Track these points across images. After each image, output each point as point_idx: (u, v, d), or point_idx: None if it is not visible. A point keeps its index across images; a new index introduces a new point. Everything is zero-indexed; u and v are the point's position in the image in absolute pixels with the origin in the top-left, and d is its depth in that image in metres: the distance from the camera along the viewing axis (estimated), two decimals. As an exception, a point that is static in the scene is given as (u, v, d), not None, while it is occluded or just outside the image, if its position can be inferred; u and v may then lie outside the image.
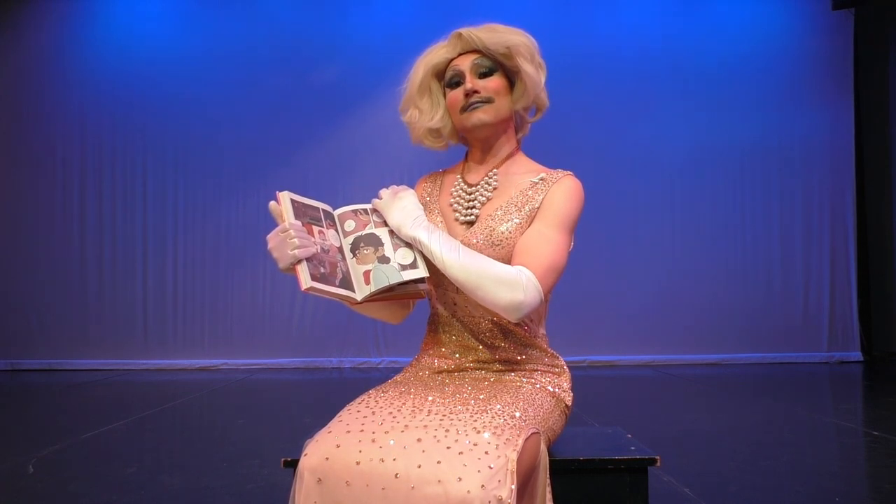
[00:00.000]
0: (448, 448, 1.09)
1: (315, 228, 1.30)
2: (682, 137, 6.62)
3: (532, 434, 1.20)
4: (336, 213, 1.39)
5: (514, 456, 1.09)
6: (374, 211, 1.40)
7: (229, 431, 3.64)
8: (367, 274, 1.30)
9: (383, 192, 1.40)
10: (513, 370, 1.42)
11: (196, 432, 3.78)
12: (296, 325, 6.59)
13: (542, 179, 1.43)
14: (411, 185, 1.60)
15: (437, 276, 1.42)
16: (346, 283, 1.29)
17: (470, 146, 1.53)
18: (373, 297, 1.30)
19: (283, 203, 1.29)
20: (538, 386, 1.39)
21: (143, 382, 5.69)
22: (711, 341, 6.51)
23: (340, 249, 1.33)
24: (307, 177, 6.46)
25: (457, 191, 1.49)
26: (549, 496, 1.22)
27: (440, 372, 1.43)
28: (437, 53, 1.46)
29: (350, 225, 1.36)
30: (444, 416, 1.18)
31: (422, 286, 1.34)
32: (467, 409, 1.20)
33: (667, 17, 6.71)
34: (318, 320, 6.54)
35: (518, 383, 1.37)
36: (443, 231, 1.36)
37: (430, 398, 1.27)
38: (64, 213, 6.66)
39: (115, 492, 2.51)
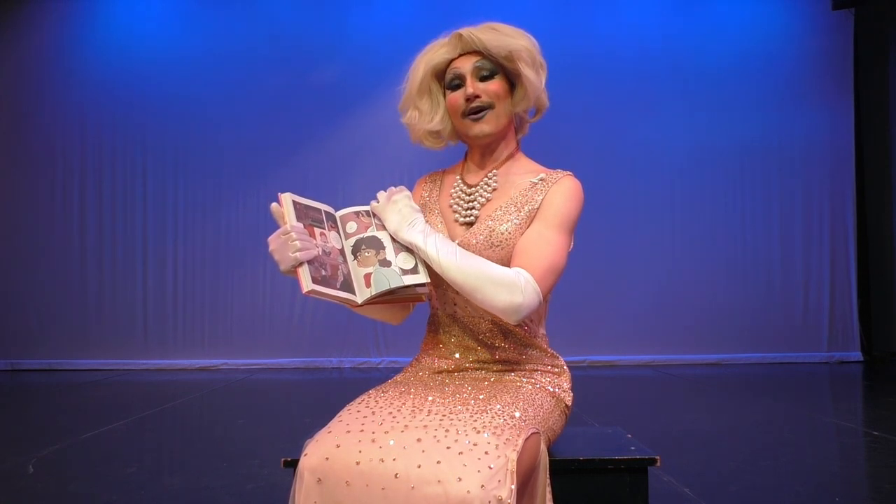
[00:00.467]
0: (448, 448, 1.09)
1: (317, 230, 1.30)
2: (682, 137, 6.62)
3: (532, 434, 1.20)
4: (338, 214, 1.39)
5: (514, 456, 1.09)
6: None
7: (229, 431, 3.64)
8: (367, 277, 1.30)
9: (380, 196, 1.39)
10: (513, 370, 1.42)
11: (196, 432, 3.78)
12: (296, 325, 6.59)
13: (541, 180, 1.43)
14: (411, 186, 1.60)
15: (437, 276, 1.42)
16: (347, 285, 1.28)
17: (469, 148, 1.53)
18: (373, 300, 1.30)
19: (285, 204, 1.29)
20: (538, 386, 1.39)
21: (143, 382, 5.69)
22: (711, 341, 6.51)
23: (342, 251, 1.33)
24: (307, 177, 6.46)
25: (456, 191, 1.49)
26: (549, 496, 1.22)
27: (440, 372, 1.43)
28: (437, 53, 1.45)
29: (352, 227, 1.36)
30: (444, 416, 1.18)
31: (422, 289, 1.34)
32: (467, 409, 1.20)
33: (667, 17, 6.70)
34: (318, 320, 6.54)
35: (518, 383, 1.37)
36: (439, 234, 1.35)
37: (429, 398, 1.27)
38: (64, 213, 6.66)
39: (115, 492, 2.51)
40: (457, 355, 1.44)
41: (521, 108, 1.45)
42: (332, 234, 1.33)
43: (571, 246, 1.42)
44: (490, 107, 1.42)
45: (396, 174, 6.28)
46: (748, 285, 6.61)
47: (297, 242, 1.23)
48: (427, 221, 1.46)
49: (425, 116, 1.48)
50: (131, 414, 4.13)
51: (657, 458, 1.43)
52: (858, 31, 6.74)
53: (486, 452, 1.08)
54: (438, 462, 1.07)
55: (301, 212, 1.29)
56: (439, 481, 1.04)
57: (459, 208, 1.46)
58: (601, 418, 3.76)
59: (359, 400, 1.29)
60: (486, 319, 1.42)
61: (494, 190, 1.45)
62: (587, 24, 6.67)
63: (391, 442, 1.12)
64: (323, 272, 1.25)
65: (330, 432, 1.16)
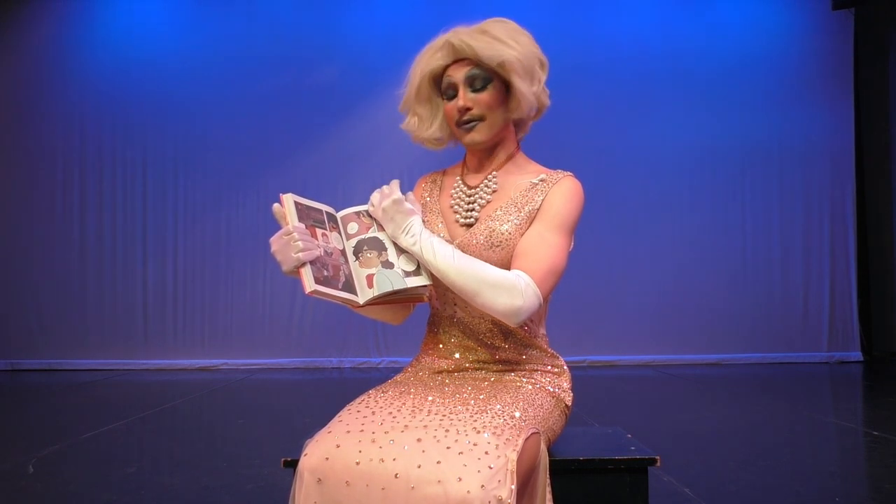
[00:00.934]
0: (448, 448, 1.09)
1: (318, 231, 1.30)
2: (682, 137, 6.62)
3: (532, 434, 1.20)
4: (339, 215, 1.39)
5: (514, 456, 1.09)
6: None
7: (229, 431, 3.64)
8: (369, 278, 1.30)
9: (373, 198, 1.38)
10: (513, 370, 1.42)
11: (196, 432, 3.78)
12: (296, 325, 6.59)
13: (542, 180, 1.43)
14: (411, 186, 1.60)
15: (437, 278, 1.42)
16: (349, 286, 1.29)
17: (468, 151, 1.53)
18: (375, 301, 1.30)
19: (287, 205, 1.29)
20: (538, 386, 1.39)
21: (143, 382, 5.69)
22: (711, 341, 6.51)
23: (343, 252, 1.33)
24: (307, 177, 6.46)
25: (457, 192, 1.48)
26: (549, 496, 1.22)
27: (440, 372, 1.43)
28: (433, 58, 1.43)
29: (353, 227, 1.36)
30: (444, 416, 1.18)
31: (422, 290, 1.34)
32: (467, 409, 1.20)
33: (667, 17, 6.70)
34: (318, 320, 6.54)
35: (518, 383, 1.37)
36: (436, 238, 1.34)
37: (429, 398, 1.27)
38: (64, 213, 6.66)
39: (115, 492, 2.51)
40: (457, 355, 1.44)
41: (516, 115, 1.42)
42: (333, 235, 1.33)
43: (571, 247, 1.42)
44: (481, 118, 1.41)
45: (396, 174, 6.18)
46: (748, 285, 6.61)
47: (299, 243, 1.23)
48: (427, 221, 1.46)
49: (424, 123, 1.48)
50: (131, 414, 4.13)
51: (657, 458, 1.43)
52: (858, 31, 6.74)
53: (486, 452, 1.08)
54: (438, 462, 1.07)
55: (303, 212, 1.29)
56: (439, 481, 1.04)
57: (460, 209, 1.46)
58: (601, 418, 3.75)
59: (359, 400, 1.29)
60: (486, 320, 1.42)
61: (494, 191, 1.45)
62: (587, 24, 6.67)
63: (391, 442, 1.12)
64: (325, 272, 1.25)
65: (330, 432, 1.16)
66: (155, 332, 6.61)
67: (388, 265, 1.31)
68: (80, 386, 5.50)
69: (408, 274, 1.31)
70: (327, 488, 1.09)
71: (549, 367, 1.45)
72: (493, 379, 1.39)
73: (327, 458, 1.11)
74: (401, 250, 1.34)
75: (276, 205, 1.30)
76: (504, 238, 1.38)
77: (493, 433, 1.13)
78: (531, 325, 1.45)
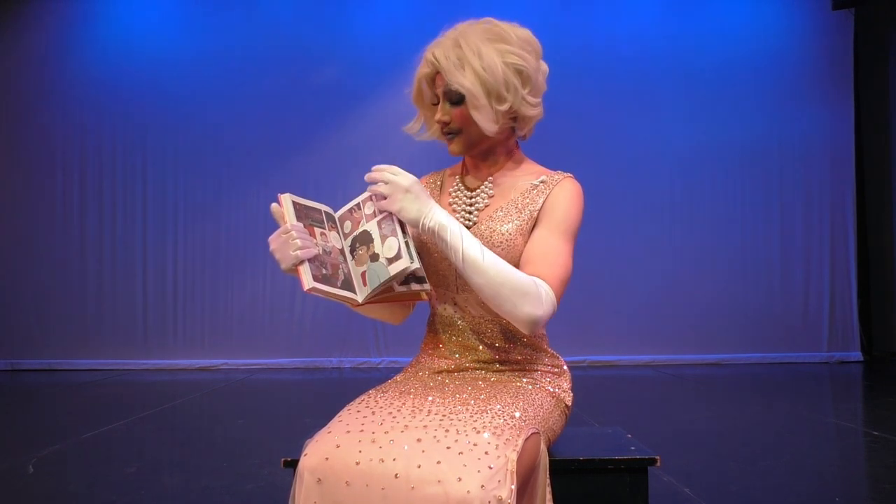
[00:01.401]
0: (448, 448, 1.09)
1: (317, 230, 1.30)
2: (682, 137, 6.62)
3: (532, 434, 1.20)
4: (336, 214, 1.39)
5: (514, 456, 1.09)
6: (365, 203, 1.36)
7: (229, 431, 3.64)
8: (363, 275, 1.30)
9: (383, 188, 1.32)
10: (513, 370, 1.42)
11: (196, 432, 3.78)
12: (296, 325, 6.59)
13: (542, 182, 1.43)
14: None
15: (437, 276, 1.43)
16: (348, 284, 1.29)
17: None
18: (374, 299, 1.30)
19: (285, 205, 1.29)
20: (538, 386, 1.39)
21: (143, 382, 5.69)
22: (711, 341, 6.50)
23: (342, 251, 1.33)
24: (307, 177, 6.46)
25: (456, 193, 1.48)
26: (549, 496, 1.22)
27: (440, 372, 1.43)
28: (423, 67, 1.42)
29: (347, 226, 1.36)
30: (443, 416, 1.18)
31: (419, 286, 1.33)
32: (467, 410, 1.20)
33: (667, 17, 6.70)
34: (318, 320, 6.54)
35: (518, 383, 1.37)
36: (465, 229, 1.31)
37: (429, 398, 1.27)
38: (64, 213, 6.66)
39: (115, 492, 2.51)
40: (457, 355, 1.44)
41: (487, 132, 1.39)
42: (332, 234, 1.33)
43: None
44: (458, 132, 1.40)
45: (396, 174, 6.27)
46: (748, 285, 6.60)
47: (297, 241, 1.23)
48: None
49: (426, 124, 1.49)
50: (131, 414, 4.13)
51: (657, 458, 1.43)
52: (858, 31, 6.74)
53: (486, 452, 1.08)
54: (438, 462, 1.07)
55: (301, 212, 1.30)
56: (439, 481, 1.04)
57: (460, 210, 1.46)
58: (601, 418, 3.75)
59: (359, 400, 1.29)
60: (485, 319, 1.42)
61: (493, 195, 1.45)
62: (587, 23, 6.66)
63: (391, 442, 1.12)
64: (324, 271, 1.25)
65: (330, 432, 1.16)
66: (155, 332, 6.60)
67: (374, 258, 1.29)
68: (80, 386, 5.50)
69: (390, 261, 1.27)
70: (327, 488, 1.09)
71: (550, 368, 1.45)
72: (493, 379, 1.39)
73: (327, 458, 1.11)
74: (385, 235, 1.29)
75: (274, 205, 1.30)
76: (504, 239, 1.38)
77: (493, 433, 1.13)
78: (531, 326, 1.44)
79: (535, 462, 1.20)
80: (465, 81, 1.33)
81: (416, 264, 1.26)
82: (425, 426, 1.15)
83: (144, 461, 3.02)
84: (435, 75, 1.40)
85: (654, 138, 6.58)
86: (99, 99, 6.66)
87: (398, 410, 1.21)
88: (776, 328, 6.57)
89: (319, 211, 1.34)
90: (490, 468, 1.06)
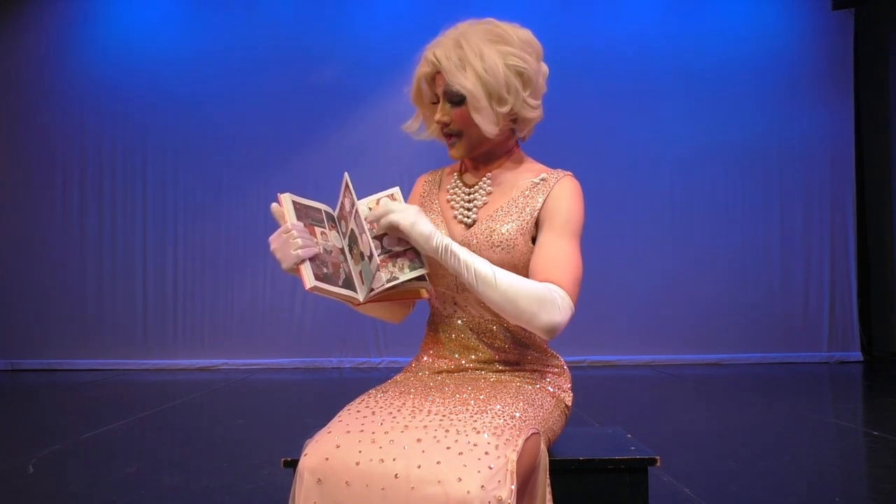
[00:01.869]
0: (448, 448, 1.09)
1: (317, 230, 1.31)
2: (682, 137, 6.62)
3: (532, 434, 1.20)
4: (336, 213, 1.39)
5: (514, 456, 1.09)
6: (344, 197, 1.36)
7: (229, 431, 3.64)
8: (361, 274, 1.30)
9: (397, 206, 1.27)
10: (513, 370, 1.42)
11: (196, 432, 3.77)
12: (296, 325, 6.59)
13: (542, 180, 1.43)
14: (411, 184, 1.60)
15: (436, 275, 1.42)
16: (349, 283, 1.29)
17: None
18: (375, 297, 1.30)
19: (285, 204, 1.29)
20: (538, 386, 1.39)
21: (143, 382, 5.69)
22: (711, 341, 6.50)
23: (342, 250, 1.33)
24: (307, 176, 6.46)
25: (454, 190, 1.48)
26: (549, 496, 1.21)
27: (440, 372, 1.43)
28: (423, 66, 1.42)
29: (344, 225, 1.37)
30: (443, 416, 1.18)
31: (419, 283, 1.33)
32: (467, 410, 1.20)
33: (667, 17, 6.70)
34: (318, 320, 6.54)
35: (518, 383, 1.37)
36: (465, 249, 1.31)
37: (429, 398, 1.26)
38: (64, 213, 6.66)
39: (115, 492, 2.51)
40: (457, 355, 1.44)
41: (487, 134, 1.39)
42: (332, 234, 1.34)
43: None
44: (459, 134, 1.40)
45: (396, 174, 6.27)
46: (748, 285, 6.61)
47: (298, 240, 1.23)
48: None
49: (425, 123, 1.49)
50: (131, 414, 4.13)
51: (657, 458, 1.43)
52: (858, 31, 6.73)
53: (486, 453, 1.08)
54: (438, 462, 1.07)
55: (301, 212, 1.30)
56: (439, 481, 1.04)
57: (459, 208, 1.46)
58: (601, 418, 3.76)
59: (359, 400, 1.29)
60: (485, 319, 1.42)
61: (492, 192, 1.45)
62: (587, 23, 6.66)
63: (391, 442, 1.11)
64: (325, 270, 1.26)
65: (330, 432, 1.16)
66: (155, 332, 6.60)
67: (365, 257, 1.31)
68: (80, 386, 5.50)
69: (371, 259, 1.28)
70: (327, 488, 1.09)
71: (550, 368, 1.45)
72: (493, 379, 1.39)
73: (327, 459, 1.11)
74: (360, 235, 1.30)
75: (274, 204, 1.31)
76: (504, 238, 1.38)
77: (493, 433, 1.12)
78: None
79: (535, 462, 1.20)
80: (466, 83, 1.33)
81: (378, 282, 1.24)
82: (425, 426, 1.15)
83: (144, 461, 3.02)
84: (435, 75, 1.40)
85: (654, 138, 6.58)
86: (99, 99, 6.65)
87: (398, 410, 1.21)
88: (776, 328, 6.56)
89: (319, 210, 1.35)
90: (490, 468, 1.06)
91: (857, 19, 6.72)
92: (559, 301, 1.28)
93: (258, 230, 6.45)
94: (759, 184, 6.66)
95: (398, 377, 1.46)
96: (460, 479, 1.04)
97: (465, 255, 1.27)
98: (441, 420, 1.17)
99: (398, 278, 1.27)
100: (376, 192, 1.42)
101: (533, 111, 1.40)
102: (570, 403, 1.44)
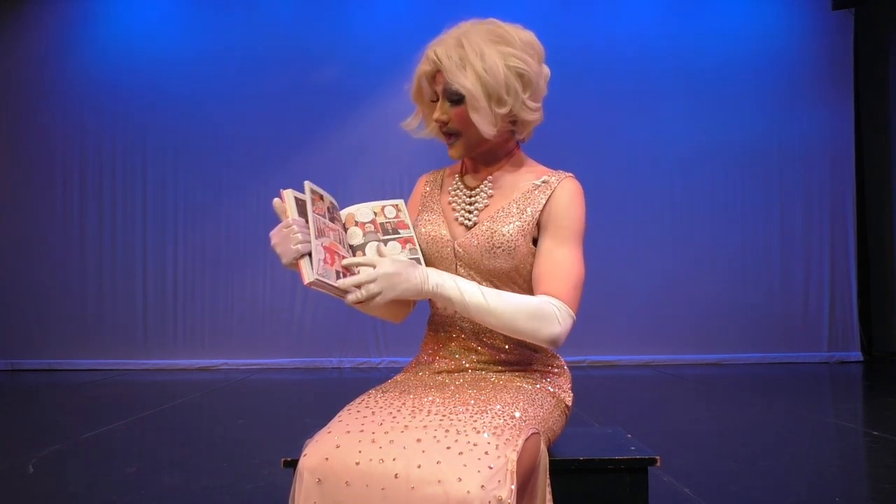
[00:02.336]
0: (448, 448, 1.09)
1: (320, 224, 1.31)
2: (682, 137, 6.62)
3: (532, 434, 1.20)
4: (342, 213, 1.40)
5: (514, 456, 1.09)
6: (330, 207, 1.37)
7: (229, 431, 3.64)
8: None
9: (373, 287, 1.24)
10: (513, 370, 1.42)
11: (196, 432, 3.77)
12: (296, 325, 6.59)
13: (544, 182, 1.43)
14: (411, 184, 1.60)
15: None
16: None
17: None
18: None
19: (287, 200, 1.29)
20: (538, 386, 1.39)
21: (143, 382, 5.69)
22: (711, 341, 6.50)
23: (346, 245, 1.34)
24: (307, 176, 6.35)
25: (455, 192, 1.48)
26: (549, 496, 1.22)
27: (440, 372, 1.43)
28: (424, 64, 1.42)
29: (349, 224, 1.38)
30: (444, 416, 1.18)
31: None
32: (467, 410, 1.20)
33: (667, 17, 6.70)
34: (318, 320, 6.54)
35: (518, 383, 1.37)
36: (457, 278, 1.32)
37: (429, 398, 1.26)
38: (64, 213, 6.66)
39: (115, 492, 2.51)
40: (457, 355, 1.44)
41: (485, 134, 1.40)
42: (336, 228, 1.34)
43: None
44: (458, 134, 1.40)
45: (396, 174, 6.28)
46: (748, 285, 6.60)
47: (298, 235, 1.24)
48: (428, 220, 1.46)
49: (424, 121, 1.48)
50: (131, 414, 4.13)
51: (657, 458, 1.43)
52: (858, 31, 6.74)
53: (486, 452, 1.08)
54: (438, 462, 1.07)
55: (302, 207, 1.30)
56: (439, 481, 1.04)
57: (460, 209, 1.45)
58: (601, 418, 3.76)
59: (359, 400, 1.29)
60: (486, 319, 1.42)
61: (493, 195, 1.45)
62: (587, 23, 6.66)
63: (391, 442, 1.11)
64: (325, 265, 1.26)
65: (330, 432, 1.16)
66: (155, 332, 6.60)
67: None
68: (80, 386, 5.50)
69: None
70: (327, 488, 1.09)
71: (550, 368, 1.45)
72: (493, 379, 1.39)
73: (327, 459, 1.11)
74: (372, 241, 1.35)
75: (276, 199, 1.31)
76: (505, 239, 1.38)
77: (493, 433, 1.13)
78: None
79: (535, 462, 1.20)
80: (465, 82, 1.33)
81: (320, 277, 1.23)
82: (425, 426, 1.15)
83: (144, 461, 3.02)
84: (435, 73, 1.40)
85: (654, 138, 6.58)
86: (99, 99, 6.66)
87: (398, 410, 1.21)
88: (776, 328, 6.57)
89: (324, 202, 1.35)
90: (490, 468, 1.06)
91: (857, 19, 6.72)
92: (557, 313, 1.30)
93: (258, 230, 6.45)
94: (759, 184, 6.66)
95: (398, 377, 1.46)
96: (460, 479, 1.04)
97: (455, 292, 1.29)
98: (441, 420, 1.17)
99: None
100: (378, 199, 1.42)
101: (532, 113, 1.39)
102: (570, 403, 1.44)
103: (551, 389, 1.40)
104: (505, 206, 1.42)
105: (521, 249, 1.38)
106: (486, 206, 1.44)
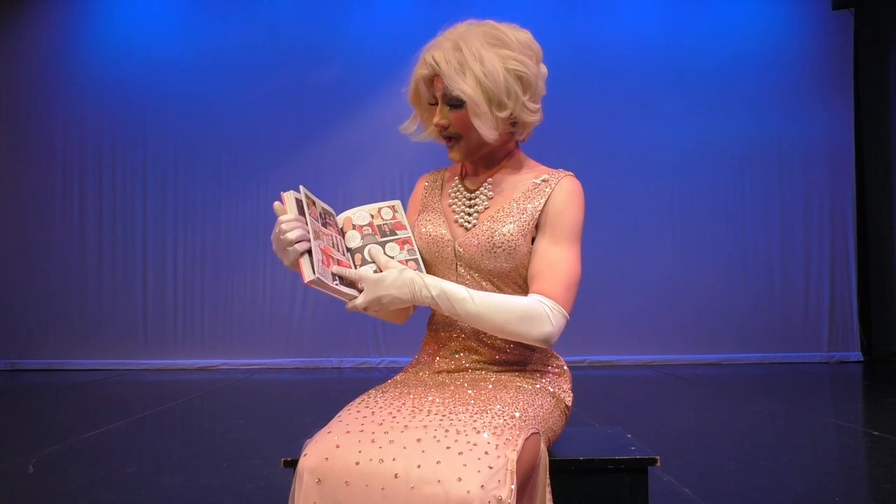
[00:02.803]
0: (448, 448, 1.09)
1: (323, 227, 1.32)
2: (682, 137, 6.62)
3: (532, 434, 1.20)
4: (337, 216, 1.41)
5: (514, 456, 1.09)
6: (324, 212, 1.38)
7: (229, 431, 3.64)
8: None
9: (360, 300, 1.28)
10: (513, 370, 1.42)
11: (196, 432, 3.77)
12: (296, 325, 6.59)
13: (544, 181, 1.43)
14: (411, 184, 1.60)
15: (437, 276, 1.42)
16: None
17: None
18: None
19: (287, 203, 1.30)
20: (538, 386, 1.39)
21: (143, 382, 5.69)
22: (711, 341, 6.51)
23: (342, 249, 1.34)
24: (307, 177, 6.45)
25: (455, 194, 1.48)
26: (548, 496, 1.22)
27: (440, 372, 1.43)
28: (420, 67, 1.41)
29: (347, 228, 1.38)
30: (443, 416, 1.18)
31: None
32: (467, 410, 1.20)
33: (667, 17, 6.70)
34: (318, 320, 6.54)
35: (518, 384, 1.37)
36: (445, 283, 1.32)
37: (429, 398, 1.26)
38: (64, 213, 6.66)
39: (115, 492, 2.51)
40: (457, 355, 1.44)
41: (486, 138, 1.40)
42: (334, 233, 1.35)
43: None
44: (458, 137, 1.40)
45: (396, 174, 6.28)
46: (748, 285, 6.61)
47: (295, 231, 1.24)
48: (429, 220, 1.47)
49: (423, 124, 1.48)
50: (131, 414, 4.13)
51: (657, 458, 1.43)
52: (858, 31, 6.74)
53: (486, 452, 1.08)
54: (438, 462, 1.07)
55: (302, 209, 1.30)
56: (439, 481, 1.04)
57: (460, 211, 1.45)
58: (601, 418, 3.76)
59: (359, 400, 1.29)
60: (486, 319, 1.42)
61: (492, 198, 1.45)
62: (587, 23, 6.67)
63: (391, 442, 1.12)
64: (325, 266, 1.26)
65: (329, 432, 1.16)
66: (155, 332, 6.61)
67: (364, 262, 1.33)
68: (80, 386, 5.50)
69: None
70: (327, 488, 1.09)
71: (550, 368, 1.45)
72: (493, 379, 1.39)
73: (327, 459, 1.11)
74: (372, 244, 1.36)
75: (276, 202, 1.31)
76: (506, 239, 1.38)
77: (493, 433, 1.13)
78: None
79: (535, 462, 1.20)
80: (466, 87, 1.33)
81: (319, 277, 1.24)
82: (425, 426, 1.15)
83: (144, 461, 3.02)
84: (433, 77, 1.40)
85: (653, 138, 6.58)
86: (99, 98, 6.66)
87: (398, 410, 1.21)
88: (776, 328, 6.57)
89: (317, 208, 1.35)
90: (490, 468, 1.06)
91: (857, 19, 6.72)
92: (549, 313, 1.31)
93: (258, 230, 6.47)
94: (759, 184, 6.66)
95: (398, 377, 1.46)
96: (460, 479, 1.04)
97: (442, 299, 1.30)
98: (441, 420, 1.17)
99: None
100: (376, 201, 1.42)
101: (532, 115, 1.39)
102: (570, 403, 1.44)
103: (551, 389, 1.40)
104: (505, 206, 1.42)
105: (522, 249, 1.38)
106: (485, 209, 1.44)
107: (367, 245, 1.37)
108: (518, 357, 1.43)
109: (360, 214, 1.42)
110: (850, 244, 6.67)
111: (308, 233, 1.26)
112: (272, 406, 4.65)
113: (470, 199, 1.46)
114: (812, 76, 6.69)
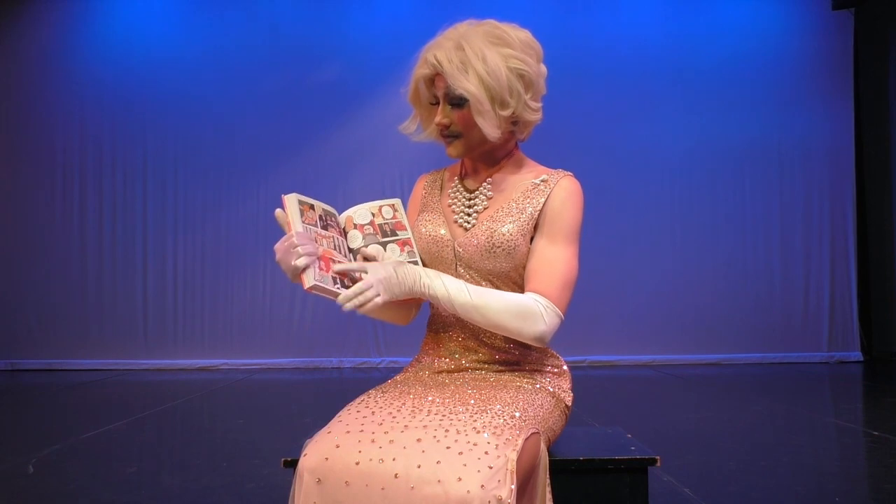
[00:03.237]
0: (448, 448, 1.09)
1: (324, 231, 1.31)
2: (682, 137, 6.62)
3: (532, 434, 1.20)
4: (338, 216, 1.41)
5: (514, 456, 1.09)
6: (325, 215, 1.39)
7: (229, 431, 3.64)
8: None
9: (369, 293, 1.27)
10: (513, 370, 1.42)
11: (196, 432, 3.78)
12: (296, 325, 6.59)
13: (543, 181, 1.43)
14: (411, 184, 1.60)
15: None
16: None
17: None
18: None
19: (290, 208, 1.29)
20: (538, 386, 1.39)
21: (143, 382, 5.69)
22: (711, 341, 6.50)
23: (344, 250, 1.34)
24: (307, 177, 6.46)
25: (455, 194, 1.48)
26: (548, 496, 1.22)
27: (440, 372, 1.43)
28: (421, 67, 1.41)
29: (349, 227, 1.38)
30: (443, 416, 1.18)
31: None
32: (467, 410, 1.20)
33: (667, 17, 6.70)
34: (318, 320, 6.54)
35: (518, 383, 1.38)
36: (444, 276, 1.34)
37: (429, 398, 1.27)
38: (64, 213, 6.66)
39: (115, 492, 2.51)
40: (457, 355, 1.44)
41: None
42: (338, 235, 1.35)
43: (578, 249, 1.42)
44: (459, 135, 1.40)
45: (396, 174, 6.28)
46: (748, 285, 6.60)
47: (299, 249, 1.23)
48: (428, 220, 1.47)
49: (423, 124, 1.48)
50: (131, 414, 4.13)
51: (657, 458, 1.43)
52: (858, 31, 6.74)
53: (486, 452, 1.08)
54: (438, 462, 1.07)
55: (306, 212, 1.30)
56: (439, 481, 1.04)
57: (460, 211, 1.45)
58: (601, 418, 3.76)
59: (359, 400, 1.29)
60: (486, 319, 1.42)
61: (491, 198, 1.45)
62: (587, 23, 6.67)
63: (391, 442, 1.12)
64: (321, 272, 1.26)
65: (329, 432, 1.16)
66: (155, 332, 6.60)
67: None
68: (80, 386, 5.50)
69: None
70: (327, 488, 1.09)
71: (550, 368, 1.45)
72: (493, 379, 1.39)
73: (327, 459, 1.11)
74: (371, 242, 1.38)
75: (278, 210, 1.30)
76: (505, 239, 1.38)
77: (493, 433, 1.13)
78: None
79: (535, 462, 1.20)
80: (469, 86, 1.33)
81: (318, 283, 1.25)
82: (425, 426, 1.15)
83: (144, 461, 3.02)
84: (434, 76, 1.40)
85: (653, 138, 6.58)
86: (99, 98, 6.66)
87: (398, 410, 1.21)
88: (776, 328, 6.57)
89: (315, 211, 1.35)
90: (490, 468, 1.06)
91: (857, 19, 6.72)
92: (543, 311, 1.31)
93: (258, 230, 6.47)
94: (759, 184, 6.66)
95: (398, 377, 1.46)
96: (460, 479, 1.04)
97: (441, 290, 1.31)
98: (441, 420, 1.17)
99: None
100: (376, 199, 1.42)
101: (534, 114, 1.40)
102: (570, 403, 1.44)
103: (551, 389, 1.40)
104: (504, 206, 1.42)
105: (521, 249, 1.38)
106: (485, 209, 1.44)
107: (368, 245, 1.38)
108: (518, 357, 1.43)
109: (360, 213, 1.42)
110: (850, 244, 6.67)
111: (316, 248, 1.25)
112: (272, 406, 4.65)
113: (469, 199, 1.46)
114: (812, 76, 6.69)
